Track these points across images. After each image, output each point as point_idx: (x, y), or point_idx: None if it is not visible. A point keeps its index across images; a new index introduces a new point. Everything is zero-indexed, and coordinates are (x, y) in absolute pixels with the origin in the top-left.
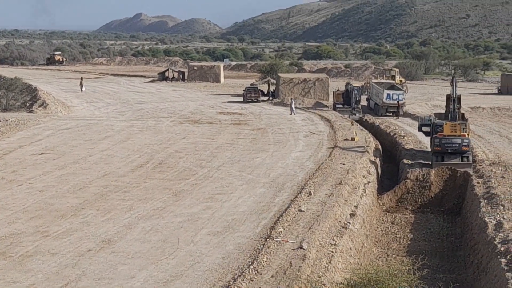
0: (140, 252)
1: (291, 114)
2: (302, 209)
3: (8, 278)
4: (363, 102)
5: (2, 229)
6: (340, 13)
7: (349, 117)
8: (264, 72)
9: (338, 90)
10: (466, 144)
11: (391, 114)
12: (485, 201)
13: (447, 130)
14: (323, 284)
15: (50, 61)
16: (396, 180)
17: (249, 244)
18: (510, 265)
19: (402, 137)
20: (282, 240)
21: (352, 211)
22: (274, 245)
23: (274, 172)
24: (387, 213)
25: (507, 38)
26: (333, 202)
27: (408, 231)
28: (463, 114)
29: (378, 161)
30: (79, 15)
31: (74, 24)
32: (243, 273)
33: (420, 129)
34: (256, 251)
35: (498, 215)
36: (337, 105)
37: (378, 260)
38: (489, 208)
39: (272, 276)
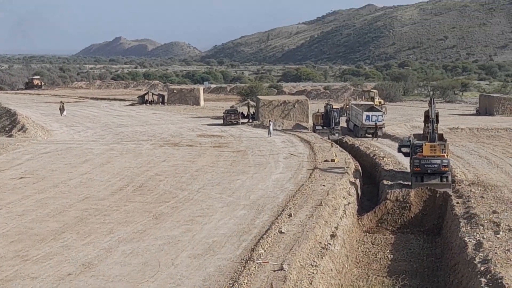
0: (121, 276)
1: (269, 136)
2: (283, 231)
3: None
4: (343, 123)
5: None
6: (319, 35)
7: (329, 138)
8: (244, 95)
9: (317, 112)
10: (445, 164)
11: (370, 136)
12: (465, 221)
13: (427, 150)
14: None
15: (29, 85)
16: (376, 201)
17: (229, 266)
18: (490, 284)
19: (381, 158)
20: (263, 262)
21: (333, 232)
22: (255, 267)
23: (254, 194)
24: (368, 233)
25: (484, 59)
26: (313, 223)
27: (388, 251)
28: (441, 134)
29: (358, 182)
30: (58, 39)
31: (53, 48)
32: None
33: (399, 150)
34: (237, 273)
35: (477, 235)
36: (316, 127)
37: (359, 281)
38: (468, 228)
39: None
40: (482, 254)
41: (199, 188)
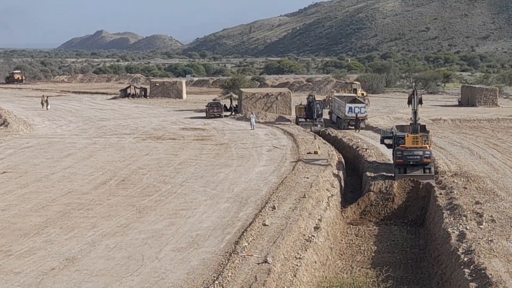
0: (105, 270)
1: (251, 129)
2: (267, 223)
3: None
4: (326, 115)
5: None
6: (301, 27)
7: (311, 130)
8: (227, 87)
9: (300, 104)
10: (427, 155)
11: (353, 127)
12: (448, 212)
13: (409, 142)
14: None
15: (10, 80)
16: (360, 193)
17: (213, 259)
18: (474, 275)
19: (364, 150)
20: (247, 255)
21: (316, 224)
22: (239, 260)
23: (238, 187)
24: (351, 225)
25: (466, 50)
26: (297, 215)
27: (372, 243)
28: (424, 126)
29: (341, 174)
30: (40, 33)
31: (34, 42)
32: None
33: (382, 142)
34: (221, 266)
35: (461, 226)
36: (299, 119)
37: (343, 273)
38: (452, 219)
39: None
40: (466, 245)
41: (183, 181)
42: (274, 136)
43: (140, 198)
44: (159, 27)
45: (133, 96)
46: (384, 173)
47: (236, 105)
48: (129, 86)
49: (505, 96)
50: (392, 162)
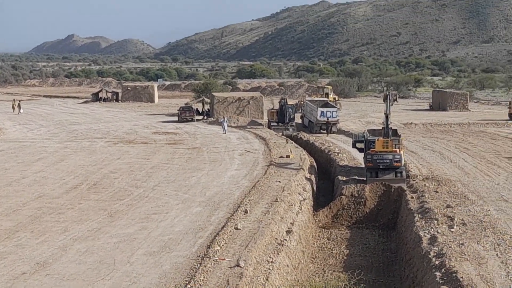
0: (76, 274)
1: (223, 133)
2: (239, 227)
3: None
4: (298, 120)
5: None
6: (273, 32)
7: (282, 134)
8: (199, 92)
9: (272, 109)
10: (397, 160)
11: (325, 132)
12: (419, 215)
13: (379, 146)
14: None
15: None
16: (332, 197)
17: (185, 263)
18: (445, 278)
19: (336, 153)
20: (219, 259)
21: (288, 228)
22: (211, 264)
23: (210, 191)
24: (323, 229)
25: (437, 55)
26: (269, 219)
27: (344, 246)
28: (396, 130)
29: (313, 178)
30: (10, 37)
31: (5, 46)
32: None
33: (354, 146)
34: (193, 270)
35: (432, 229)
36: (271, 123)
37: (315, 276)
38: (423, 222)
39: None
40: (437, 248)
41: (154, 185)
42: (246, 140)
43: (112, 202)
44: (130, 32)
45: (105, 100)
46: (356, 177)
47: (208, 109)
48: (101, 90)
49: (475, 101)
50: (363, 166)
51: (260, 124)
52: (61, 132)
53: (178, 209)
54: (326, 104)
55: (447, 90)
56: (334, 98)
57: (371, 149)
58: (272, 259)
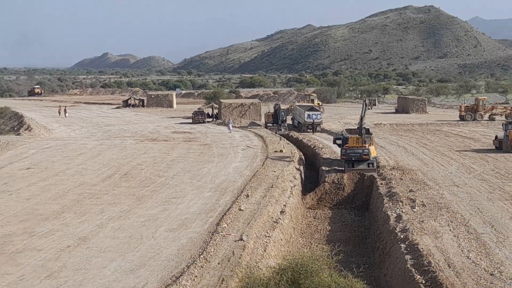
0: (111, 247)
1: (229, 132)
2: (242, 209)
3: (2, 271)
4: (289, 121)
5: None
6: (269, 50)
7: (276, 133)
8: (209, 99)
9: (268, 112)
10: (366, 153)
11: (310, 131)
12: (387, 198)
13: (352, 142)
14: (260, 268)
15: (31, 93)
16: (317, 183)
17: (199, 238)
18: (408, 249)
19: (320, 148)
20: (226, 234)
21: (282, 209)
22: (220, 238)
23: (218, 179)
24: (310, 210)
25: (401, 68)
26: (266, 202)
27: (327, 224)
28: (368, 129)
29: (302, 168)
30: (57, 55)
31: (52, 63)
32: (195, 261)
33: (334, 142)
34: (205, 243)
35: (397, 209)
36: (268, 124)
37: (304, 248)
38: (390, 204)
39: (218, 263)
40: (402, 225)
41: (173, 175)
42: (247, 138)
43: (139, 189)
44: (154, 50)
45: (133, 106)
46: (336, 167)
47: (216, 113)
48: (130, 98)
49: (432, 105)
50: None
51: (259, 125)
52: (98, 132)
53: (193, 194)
54: (311, 108)
55: (410, 97)
56: (318, 104)
57: (345, 145)
58: (269, 234)
